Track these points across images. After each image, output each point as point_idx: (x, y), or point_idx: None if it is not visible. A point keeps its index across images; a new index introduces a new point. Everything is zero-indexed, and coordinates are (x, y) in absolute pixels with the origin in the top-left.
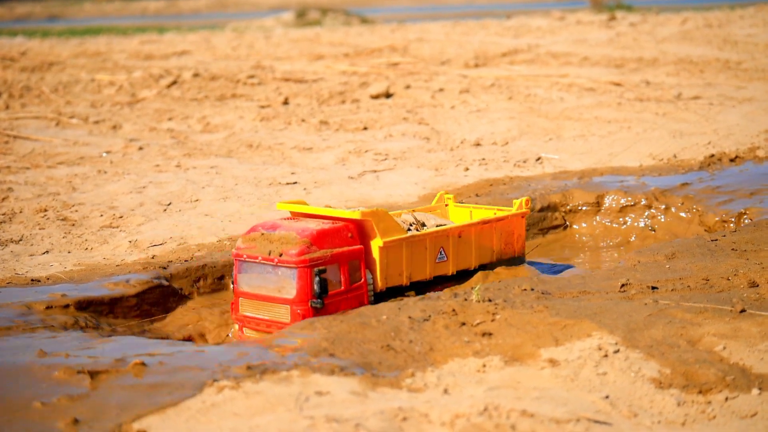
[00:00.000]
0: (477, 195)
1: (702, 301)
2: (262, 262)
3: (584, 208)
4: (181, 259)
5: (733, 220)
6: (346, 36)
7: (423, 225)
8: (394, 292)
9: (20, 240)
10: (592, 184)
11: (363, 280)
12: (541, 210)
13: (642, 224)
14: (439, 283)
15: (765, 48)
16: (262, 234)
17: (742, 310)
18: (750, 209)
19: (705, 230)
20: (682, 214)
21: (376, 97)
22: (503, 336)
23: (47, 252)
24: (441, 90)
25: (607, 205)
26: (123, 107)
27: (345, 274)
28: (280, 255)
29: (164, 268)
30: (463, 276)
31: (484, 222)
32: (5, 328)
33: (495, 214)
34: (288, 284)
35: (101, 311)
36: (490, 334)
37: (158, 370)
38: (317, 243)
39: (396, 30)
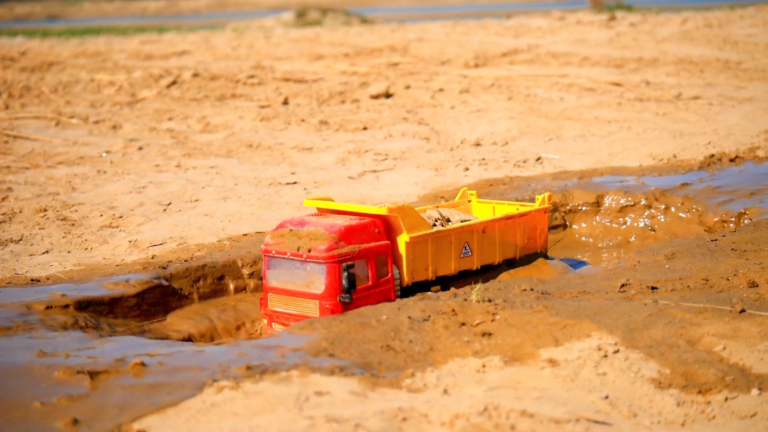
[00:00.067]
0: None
1: (702, 301)
2: (291, 257)
3: (584, 208)
4: (181, 259)
5: (732, 220)
6: (346, 36)
7: (448, 221)
8: (420, 287)
9: (20, 240)
10: (592, 184)
11: (390, 274)
12: None
13: (642, 224)
14: (463, 277)
15: (765, 48)
16: (291, 230)
17: (742, 311)
18: (750, 209)
19: (705, 230)
20: (682, 214)
21: (376, 97)
22: (503, 336)
23: (47, 252)
24: (441, 90)
25: (607, 205)
26: (123, 107)
27: (372, 269)
28: (309, 251)
29: (164, 268)
30: (487, 270)
31: (508, 217)
32: (5, 328)
33: (518, 209)
34: (317, 279)
35: (101, 311)
36: (490, 334)
37: (158, 370)
38: (345, 239)
39: (396, 30)
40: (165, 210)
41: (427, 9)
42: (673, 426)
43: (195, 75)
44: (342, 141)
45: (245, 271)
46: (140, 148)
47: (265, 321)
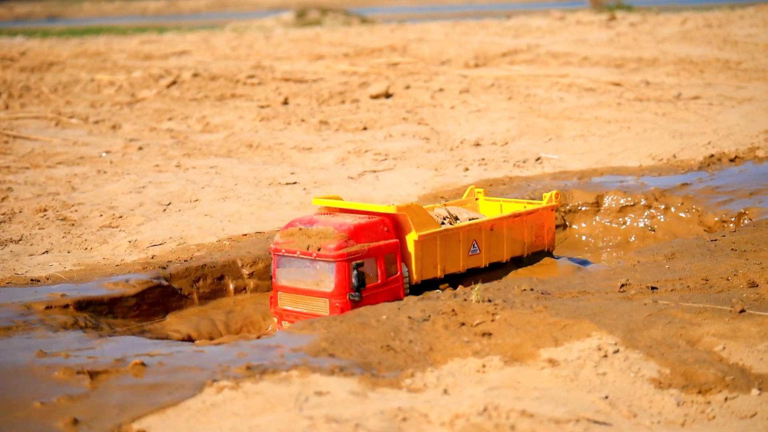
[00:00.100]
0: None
1: (701, 301)
2: (301, 256)
3: (584, 208)
4: (181, 259)
5: (732, 220)
6: (346, 36)
7: (456, 219)
8: (428, 285)
9: (20, 240)
10: (591, 184)
11: (399, 273)
12: None
13: (641, 224)
14: (472, 275)
15: (765, 48)
16: (300, 229)
17: (742, 311)
18: (750, 209)
19: (705, 230)
20: (682, 214)
21: (375, 97)
22: (503, 336)
23: (47, 252)
24: (441, 90)
25: (606, 205)
26: (123, 107)
27: (381, 267)
28: (319, 249)
29: (164, 268)
30: (495, 268)
31: (515, 215)
32: (5, 328)
33: (525, 207)
34: (326, 278)
35: (101, 311)
36: (490, 334)
37: (158, 370)
38: (354, 237)
39: (396, 30)
40: (165, 210)
41: (427, 9)
42: (673, 426)
43: (195, 75)
44: (342, 141)
45: (245, 271)
46: (140, 148)
47: (275, 320)
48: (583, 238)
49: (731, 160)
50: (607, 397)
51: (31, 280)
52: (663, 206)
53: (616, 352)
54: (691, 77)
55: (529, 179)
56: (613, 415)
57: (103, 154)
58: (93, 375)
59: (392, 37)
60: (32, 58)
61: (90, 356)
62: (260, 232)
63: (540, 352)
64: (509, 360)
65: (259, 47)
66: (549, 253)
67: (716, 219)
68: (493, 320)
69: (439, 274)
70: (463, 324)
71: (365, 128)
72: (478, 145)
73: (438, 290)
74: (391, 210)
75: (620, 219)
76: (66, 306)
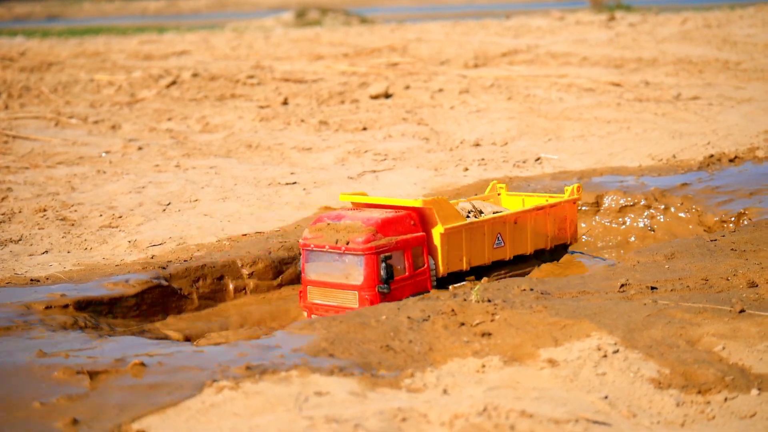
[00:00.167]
0: (476, 195)
1: (701, 301)
2: (330, 250)
3: (584, 208)
4: (181, 259)
5: (732, 220)
6: (345, 36)
7: (480, 212)
8: (454, 278)
9: (19, 240)
10: (591, 184)
11: (426, 265)
12: None
13: (641, 224)
14: (496, 267)
15: (764, 48)
16: (328, 224)
17: (742, 311)
18: (749, 209)
19: (704, 230)
20: (682, 215)
21: (375, 97)
22: (502, 336)
23: (46, 252)
24: (440, 90)
25: (606, 205)
26: (122, 107)
27: (409, 260)
28: (347, 243)
29: (163, 268)
30: (519, 261)
31: (539, 208)
32: (5, 328)
33: (547, 201)
34: (355, 271)
35: (100, 311)
36: (490, 335)
37: (157, 371)
38: (382, 231)
39: (395, 30)
40: (164, 210)
41: (427, 9)
42: (673, 426)
43: (194, 75)
44: (341, 141)
45: (245, 271)
46: (140, 148)
47: (305, 314)
48: (584, 238)
49: (731, 161)
50: (606, 397)
51: (31, 280)
52: (663, 206)
53: (616, 352)
54: (691, 77)
55: (528, 179)
56: (613, 415)
57: (103, 154)
58: (93, 375)
59: (392, 37)
60: (32, 58)
61: (90, 356)
62: (260, 232)
63: (540, 352)
64: (509, 360)
65: (259, 47)
66: (564, 249)
67: (716, 219)
68: (492, 320)
69: (465, 266)
70: (462, 324)
71: (365, 128)
72: (477, 145)
73: (464, 282)
74: (418, 204)
75: (620, 219)
76: (66, 306)
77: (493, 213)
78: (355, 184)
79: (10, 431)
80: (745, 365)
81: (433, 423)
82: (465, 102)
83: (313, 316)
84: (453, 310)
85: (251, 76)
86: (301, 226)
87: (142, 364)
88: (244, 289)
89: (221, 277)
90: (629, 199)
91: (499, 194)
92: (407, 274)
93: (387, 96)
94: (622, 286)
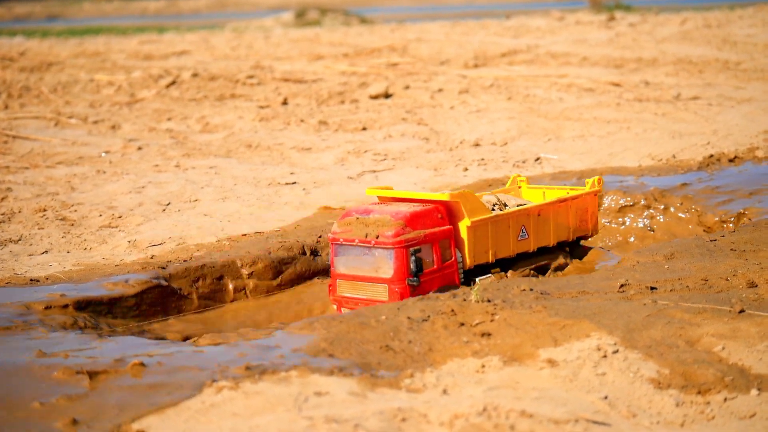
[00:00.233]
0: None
1: (701, 301)
2: (359, 244)
3: None
4: (180, 259)
5: (732, 220)
6: (345, 36)
7: (504, 205)
8: (480, 270)
9: (19, 240)
10: None
11: (453, 258)
12: None
13: (641, 224)
14: (521, 259)
15: (764, 48)
16: (357, 218)
17: (741, 311)
18: (749, 209)
19: (704, 230)
20: (681, 215)
21: (375, 97)
22: (502, 336)
23: (46, 252)
24: (440, 90)
25: (606, 205)
26: (122, 107)
27: (437, 253)
28: (377, 237)
29: (163, 268)
30: (543, 253)
31: (561, 200)
32: (4, 328)
33: (568, 193)
34: (385, 264)
35: (100, 311)
36: (489, 335)
37: (157, 371)
38: (411, 224)
39: (395, 30)
40: (164, 210)
41: (426, 9)
42: (673, 426)
43: (194, 75)
44: (341, 141)
45: (244, 271)
46: (139, 148)
47: (335, 307)
48: None
49: (730, 161)
50: (606, 398)
51: (31, 280)
52: (662, 206)
53: (616, 352)
54: (691, 77)
55: (528, 179)
56: (613, 416)
57: (103, 154)
58: (92, 375)
59: (392, 38)
60: (32, 58)
61: (89, 356)
62: (259, 232)
63: (539, 352)
64: (508, 360)
65: (259, 47)
66: (580, 244)
67: (715, 219)
68: (492, 320)
69: (491, 258)
70: (462, 324)
71: (364, 128)
72: (477, 145)
73: (489, 275)
74: (445, 197)
75: (620, 219)
76: (65, 306)
77: (517, 206)
78: (354, 184)
79: (10, 431)
80: (744, 365)
81: (432, 423)
82: (465, 102)
83: (342, 309)
84: (453, 311)
85: (251, 76)
86: (301, 226)
87: (142, 364)
88: (244, 289)
89: (221, 277)
90: (629, 199)
91: (519, 187)
92: (435, 266)
93: (387, 96)
94: (622, 286)
